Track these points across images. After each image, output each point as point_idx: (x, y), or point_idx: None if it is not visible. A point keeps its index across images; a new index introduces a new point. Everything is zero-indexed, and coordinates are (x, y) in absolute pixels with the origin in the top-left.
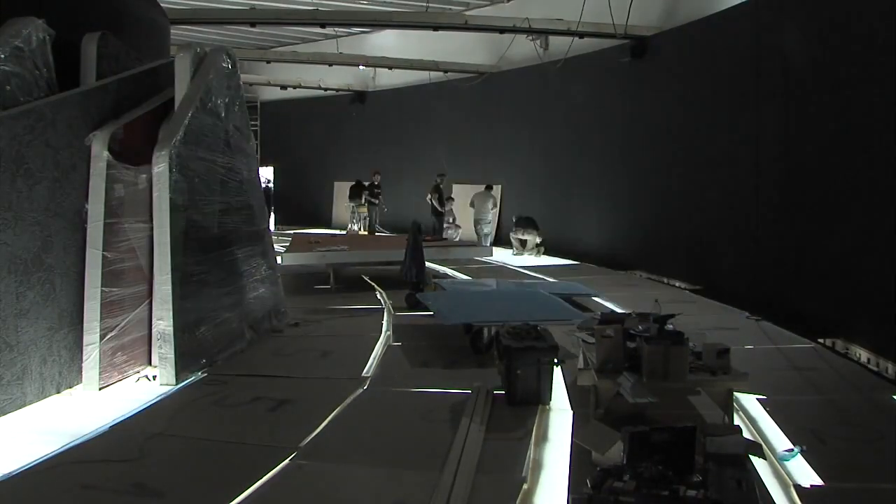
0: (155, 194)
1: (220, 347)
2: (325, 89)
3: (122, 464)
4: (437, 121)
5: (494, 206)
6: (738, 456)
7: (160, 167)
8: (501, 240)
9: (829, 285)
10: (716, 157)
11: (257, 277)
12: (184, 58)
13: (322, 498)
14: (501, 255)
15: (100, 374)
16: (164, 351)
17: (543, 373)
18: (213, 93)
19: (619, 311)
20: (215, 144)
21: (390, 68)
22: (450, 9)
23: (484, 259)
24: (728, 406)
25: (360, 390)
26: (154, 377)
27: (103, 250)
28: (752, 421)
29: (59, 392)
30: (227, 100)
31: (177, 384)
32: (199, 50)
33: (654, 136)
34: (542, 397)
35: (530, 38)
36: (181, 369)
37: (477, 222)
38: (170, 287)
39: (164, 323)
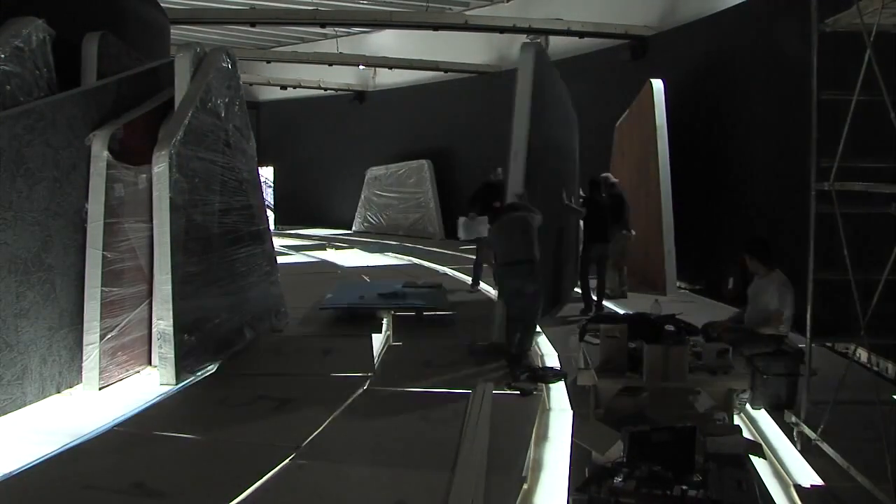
0: (155, 194)
1: (220, 347)
2: (325, 89)
3: (122, 464)
4: (439, 119)
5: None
6: (739, 456)
7: (160, 167)
8: None
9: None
10: (714, 157)
11: (257, 277)
12: (184, 58)
13: (322, 498)
14: None
15: (100, 373)
16: (164, 351)
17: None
18: (213, 93)
19: (620, 311)
20: (215, 144)
21: (390, 68)
22: (450, 9)
23: None
24: (728, 406)
25: (361, 390)
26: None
27: (103, 250)
28: (752, 421)
29: (59, 392)
30: (226, 100)
31: (177, 384)
32: (198, 50)
33: None
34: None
35: (530, 37)
36: (182, 369)
37: None
38: (170, 287)
39: (164, 323)
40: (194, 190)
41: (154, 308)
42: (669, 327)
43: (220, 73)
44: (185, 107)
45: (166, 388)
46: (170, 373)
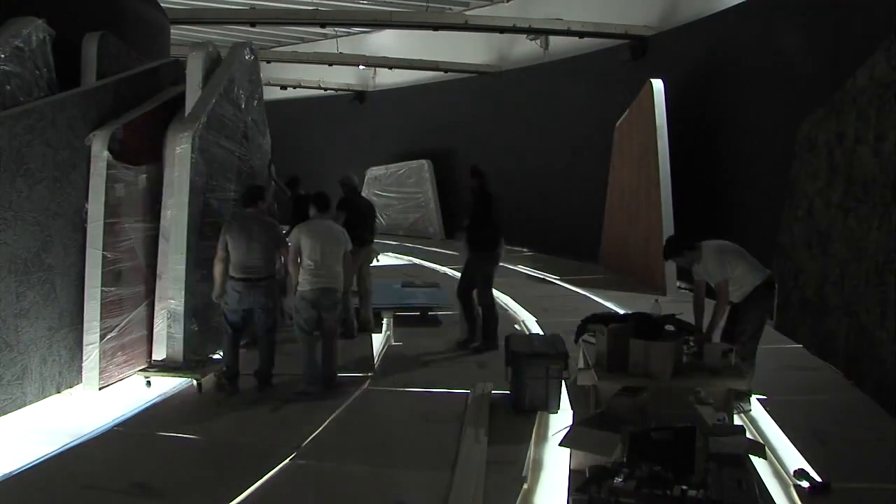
0: (175, 174)
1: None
2: (325, 89)
3: (122, 464)
4: (439, 119)
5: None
6: (739, 456)
7: (182, 147)
8: None
9: None
10: (714, 157)
11: None
12: (196, 57)
13: (322, 498)
14: None
15: (100, 374)
16: (173, 330)
17: (552, 380)
18: (236, 83)
19: (620, 311)
20: (234, 134)
21: (390, 68)
22: (450, 9)
23: None
24: (727, 407)
25: (361, 390)
26: (149, 383)
27: (103, 250)
28: (752, 421)
29: (59, 392)
30: (248, 93)
31: (183, 359)
32: (211, 49)
33: None
34: (549, 404)
35: (530, 37)
36: (189, 352)
37: None
38: (184, 266)
39: (174, 302)
40: (212, 175)
41: (167, 288)
42: (669, 327)
43: (242, 65)
44: (210, 93)
45: (165, 390)
46: (178, 351)
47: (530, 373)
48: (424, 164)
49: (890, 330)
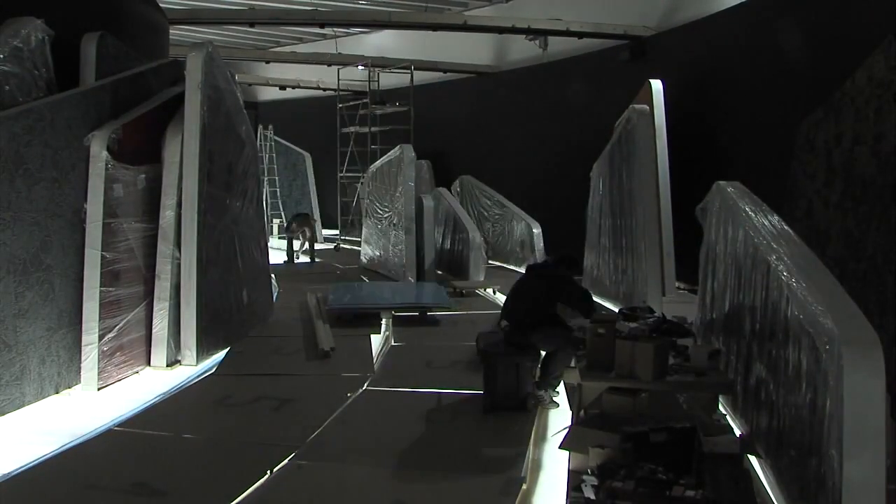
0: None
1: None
2: (325, 89)
3: (123, 464)
4: (439, 119)
5: None
6: (736, 455)
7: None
8: None
9: None
10: (713, 157)
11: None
12: (196, 57)
13: (322, 498)
14: None
15: (98, 374)
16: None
17: (522, 377)
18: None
19: (615, 310)
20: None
21: (389, 68)
22: (449, 9)
23: None
24: (710, 409)
25: (361, 390)
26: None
27: (102, 250)
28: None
29: (57, 392)
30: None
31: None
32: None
33: None
34: (520, 404)
35: (529, 38)
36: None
37: None
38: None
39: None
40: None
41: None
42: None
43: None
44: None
45: (165, 388)
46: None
47: (500, 371)
48: (424, 164)
49: (889, 330)
